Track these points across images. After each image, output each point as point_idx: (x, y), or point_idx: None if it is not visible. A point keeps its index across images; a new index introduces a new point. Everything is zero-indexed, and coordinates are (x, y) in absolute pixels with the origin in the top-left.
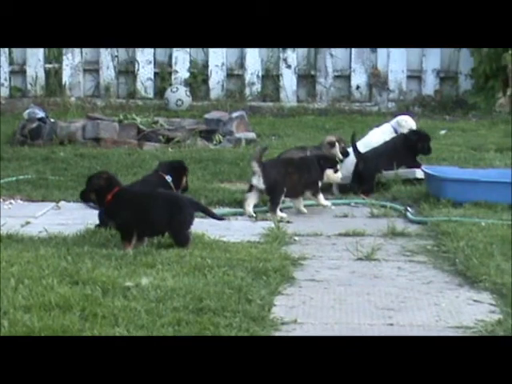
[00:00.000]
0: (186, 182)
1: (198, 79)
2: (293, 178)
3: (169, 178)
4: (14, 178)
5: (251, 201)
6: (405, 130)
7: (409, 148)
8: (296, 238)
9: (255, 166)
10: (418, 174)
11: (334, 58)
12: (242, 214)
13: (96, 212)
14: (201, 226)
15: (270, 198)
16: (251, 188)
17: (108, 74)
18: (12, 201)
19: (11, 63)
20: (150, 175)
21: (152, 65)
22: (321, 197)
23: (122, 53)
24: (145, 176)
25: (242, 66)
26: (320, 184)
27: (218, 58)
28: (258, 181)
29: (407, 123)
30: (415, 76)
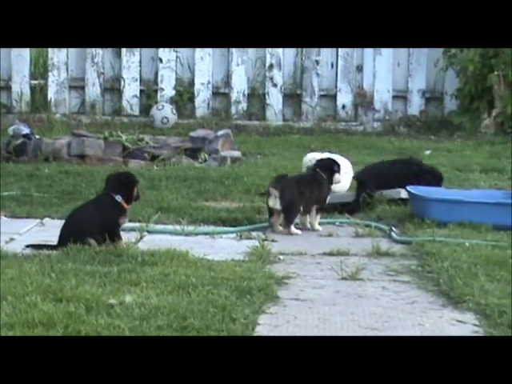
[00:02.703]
0: (137, 193)
1: (184, 97)
2: (306, 195)
3: (118, 198)
4: None
5: (276, 222)
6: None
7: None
8: (280, 257)
9: (273, 190)
10: (403, 194)
11: (320, 77)
12: (225, 233)
13: None
14: (185, 243)
15: (285, 217)
16: (271, 211)
17: (94, 90)
18: None
19: None
20: (101, 196)
21: (138, 82)
22: (318, 218)
23: (107, 70)
24: (96, 197)
25: (228, 84)
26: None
27: (204, 76)
28: (274, 202)
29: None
30: (401, 96)
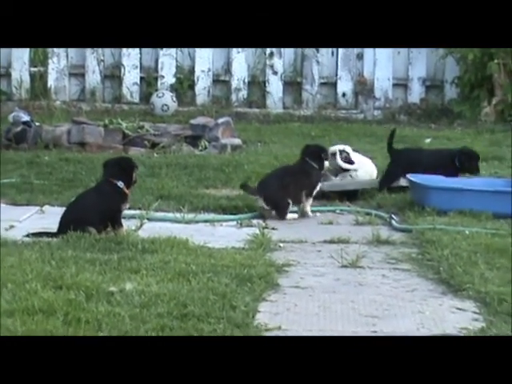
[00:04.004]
0: (135, 178)
1: (184, 85)
2: (291, 186)
3: (120, 184)
4: None
5: (268, 214)
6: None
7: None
8: (281, 245)
9: (256, 196)
10: (403, 182)
11: (320, 65)
12: (225, 221)
13: None
14: (185, 231)
15: (277, 214)
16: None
17: (94, 78)
18: None
19: None
20: (102, 183)
21: (138, 69)
22: (309, 202)
23: (108, 57)
24: (97, 184)
25: (228, 71)
26: (317, 188)
27: (205, 64)
28: (262, 204)
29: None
30: (401, 84)
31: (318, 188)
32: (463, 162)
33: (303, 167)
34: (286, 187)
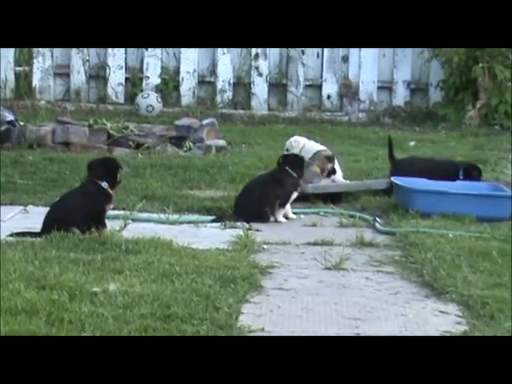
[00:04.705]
0: (120, 178)
1: (169, 85)
2: (267, 195)
3: (105, 185)
4: None
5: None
6: (296, 151)
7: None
8: (264, 247)
9: (230, 220)
10: (387, 184)
11: (305, 67)
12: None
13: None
14: (169, 232)
15: (259, 222)
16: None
17: (79, 78)
18: None
19: None
20: (86, 183)
21: (123, 70)
22: (281, 211)
23: (93, 57)
24: (81, 184)
25: (213, 73)
26: (295, 195)
27: (190, 65)
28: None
29: (298, 144)
30: (386, 87)
31: (293, 197)
32: (468, 177)
33: (277, 176)
34: (262, 198)
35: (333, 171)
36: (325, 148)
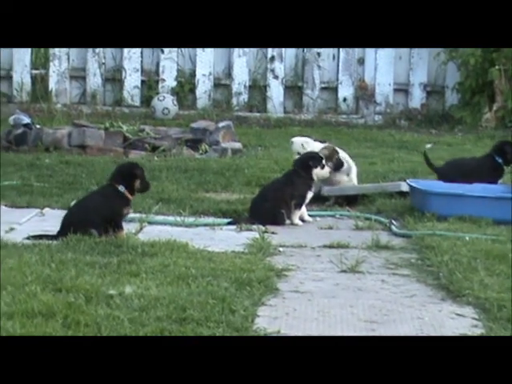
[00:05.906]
0: (140, 184)
1: (185, 88)
2: (281, 198)
3: (122, 188)
4: None
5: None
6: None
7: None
8: (280, 249)
9: (247, 223)
10: (403, 187)
11: (321, 69)
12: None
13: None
14: (185, 235)
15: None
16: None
17: (95, 81)
18: None
19: None
20: (105, 186)
21: (139, 73)
22: (297, 213)
23: (109, 60)
24: (100, 187)
25: (229, 75)
26: (310, 195)
27: (206, 68)
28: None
29: (308, 145)
30: (402, 89)
31: (308, 197)
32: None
33: (290, 178)
34: (277, 201)
35: (340, 163)
36: (326, 143)
